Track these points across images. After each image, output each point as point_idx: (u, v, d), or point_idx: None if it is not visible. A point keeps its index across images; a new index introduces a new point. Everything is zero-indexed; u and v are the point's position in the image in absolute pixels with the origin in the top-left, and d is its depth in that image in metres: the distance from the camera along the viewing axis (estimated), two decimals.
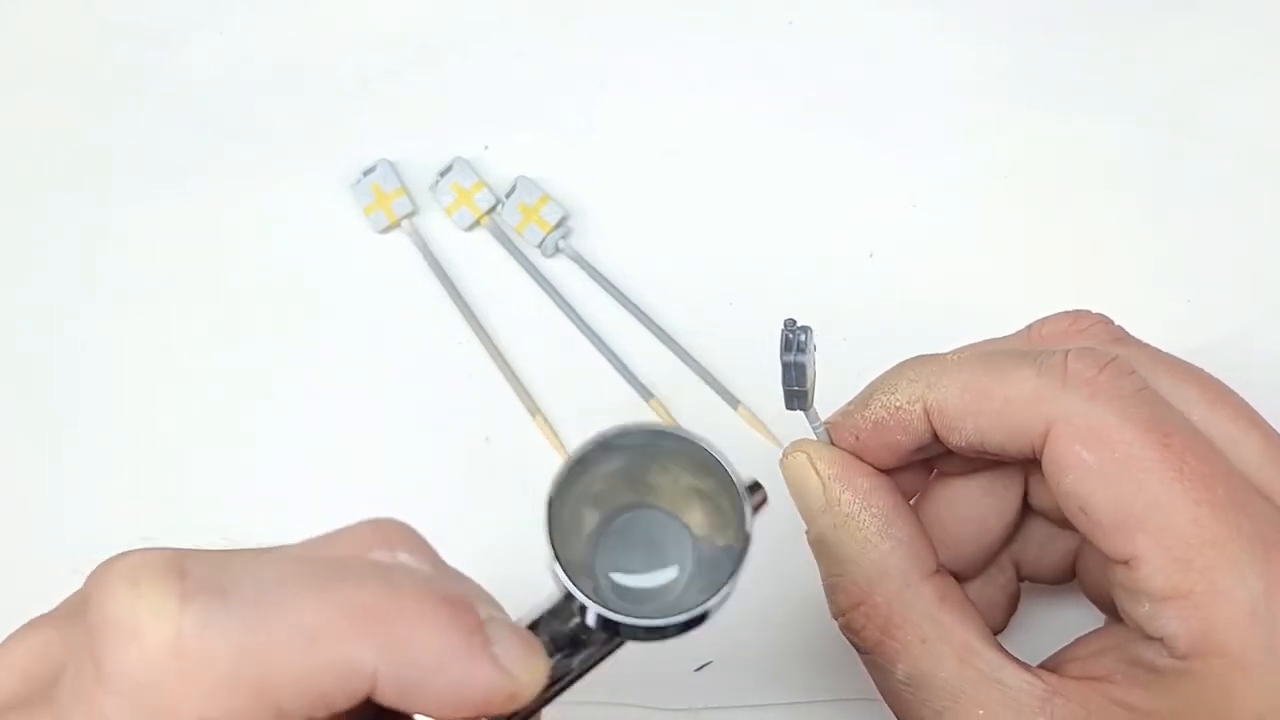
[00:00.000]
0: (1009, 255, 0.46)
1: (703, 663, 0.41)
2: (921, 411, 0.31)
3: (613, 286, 0.46)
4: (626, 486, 0.27)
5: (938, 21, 0.50)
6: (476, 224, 0.47)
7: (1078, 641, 0.32)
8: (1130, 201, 0.47)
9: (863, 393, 0.33)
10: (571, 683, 0.25)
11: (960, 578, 0.33)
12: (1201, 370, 0.32)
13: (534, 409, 0.44)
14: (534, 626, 0.25)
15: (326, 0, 0.51)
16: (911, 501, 0.34)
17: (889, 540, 0.31)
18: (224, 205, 0.48)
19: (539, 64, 0.50)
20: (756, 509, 0.26)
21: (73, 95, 0.50)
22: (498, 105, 0.49)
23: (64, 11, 0.51)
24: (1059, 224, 0.47)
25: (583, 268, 0.46)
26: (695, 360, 0.45)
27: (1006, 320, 0.36)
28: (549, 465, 0.44)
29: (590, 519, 0.27)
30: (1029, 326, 0.34)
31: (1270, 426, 0.31)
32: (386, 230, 0.47)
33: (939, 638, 0.31)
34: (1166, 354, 0.32)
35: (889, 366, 0.33)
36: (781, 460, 0.33)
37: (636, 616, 0.24)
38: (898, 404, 0.32)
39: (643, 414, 0.44)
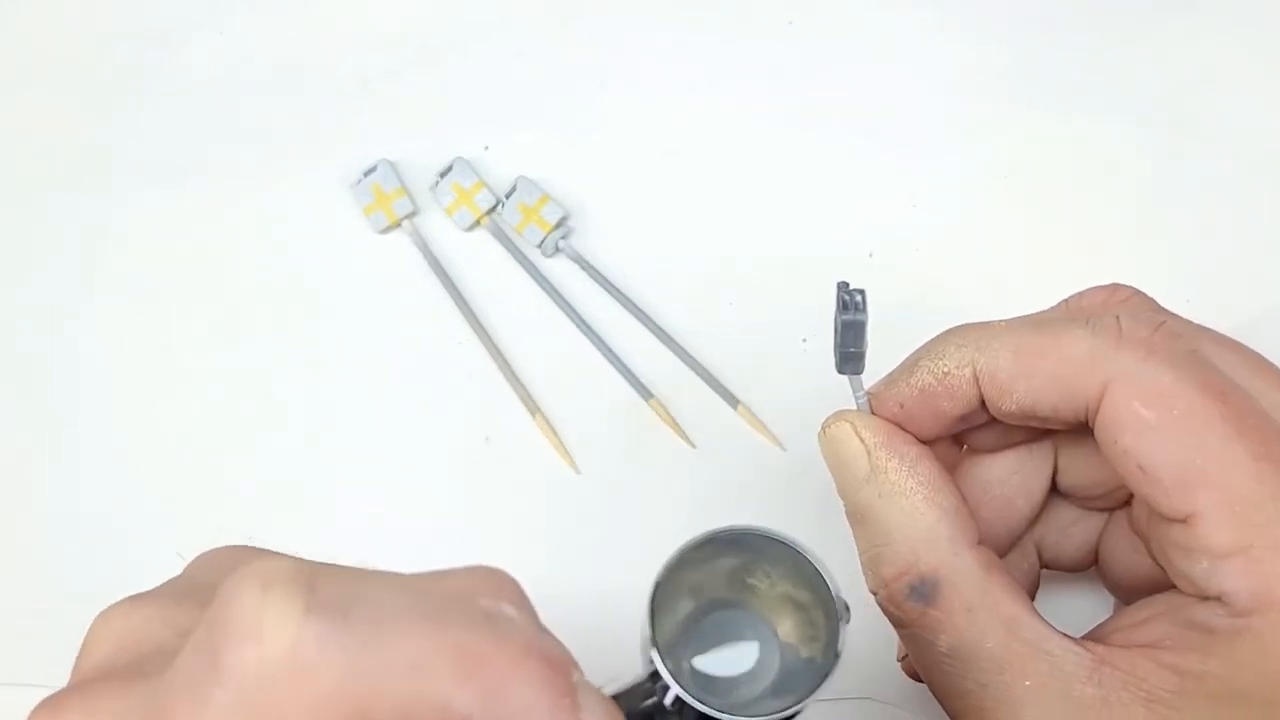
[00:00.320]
0: (1009, 255, 0.46)
1: None
2: (971, 376, 0.31)
3: (613, 286, 0.46)
4: (725, 583, 0.27)
5: (938, 21, 0.50)
6: (477, 224, 0.47)
7: (1120, 613, 0.32)
8: (1130, 201, 0.47)
9: (907, 361, 0.33)
10: None
11: None
12: (1240, 342, 0.32)
13: (534, 409, 0.44)
14: (615, 698, 0.25)
15: (326, 0, 0.51)
16: None
17: (936, 509, 0.31)
18: (224, 205, 0.48)
19: (539, 64, 0.50)
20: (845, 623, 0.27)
21: (73, 95, 0.50)
22: (498, 105, 0.49)
23: (64, 11, 0.51)
24: (1059, 224, 0.47)
25: (583, 268, 0.46)
26: (695, 360, 0.45)
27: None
28: (549, 465, 0.44)
29: (684, 607, 0.27)
30: (1065, 300, 0.35)
31: None
32: (387, 230, 0.47)
33: (986, 608, 0.30)
34: (1199, 326, 0.33)
35: (890, 366, 0.33)
36: (821, 432, 0.33)
37: (717, 709, 0.25)
38: (946, 369, 0.31)
39: (643, 414, 0.44)
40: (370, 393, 0.45)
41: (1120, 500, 0.34)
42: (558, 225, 0.46)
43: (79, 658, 0.24)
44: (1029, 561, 0.36)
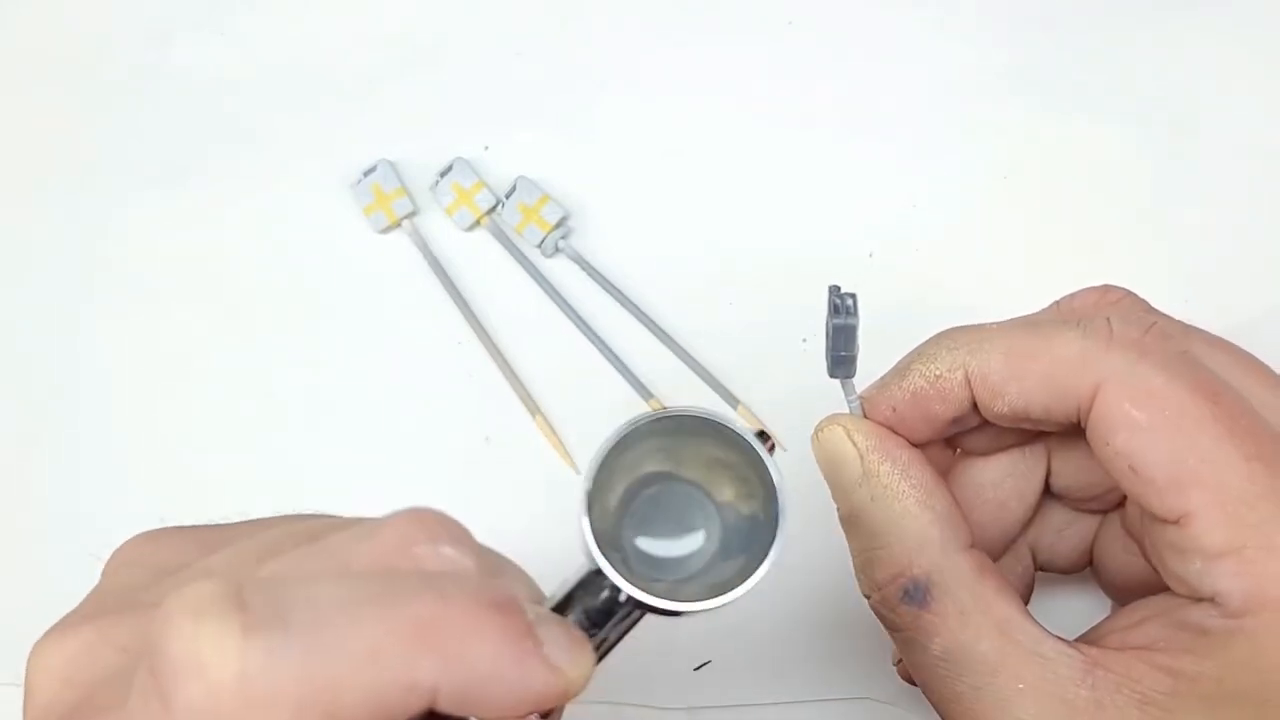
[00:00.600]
0: (1009, 255, 0.46)
1: (702, 662, 0.41)
2: (963, 379, 0.31)
3: (613, 286, 0.46)
4: (651, 459, 0.27)
5: (938, 21, 0.50)
6: (476, 224, 0.47)
7: (1114, 615, 0.32)
8: (1130, 201, 0.47)
9: (899, 364, 0.33)
10: (605, 655, 0.25)
11: None
12: (1232, 343, 0.32)
13: (534, 409, 0.44)
14: (567, 600, 0.25)
15: (326, 0, 0.51)
16: None
17: (929, 512, 0.31)
18: (224, 205, 0.48)
19: (539, 64, 0.50)
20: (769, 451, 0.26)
21: (73, 95, 0.50)
22: (498, 105, 0.49)
23: (64, 11, 0.51)
24: (1059, 224, 0.47)
25: (583, 268, 0.46)
26: (695, 360, 0.45)
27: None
28: (549, 465, 0.44)
29: (615, 491, 0.27)
30: (1056, 302, 0.35)
31: None
32: (387, 230, 0.47)
33: (979, 610, 0.30)
34: (1190, 326, 0.33)
35: (888, 365, 0.33)
36: (814, 436, 0.33)
37: (666, 597, 0.24)
38: (938, 372, 0.31)
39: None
40: (370, 393, 0.45)
41: (1114, 502, 0.34)
42: (558, 225, 0.46)
43: (25, 700, 0.24)
44: (1023, 564, 0.36)
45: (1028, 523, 0.35)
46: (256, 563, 0.24)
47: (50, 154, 0.49)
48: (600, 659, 0.25)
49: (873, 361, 0.33)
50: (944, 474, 0.34)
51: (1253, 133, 0.48)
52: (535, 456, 0.44)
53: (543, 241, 0.46)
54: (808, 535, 0.43)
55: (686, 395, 0.44)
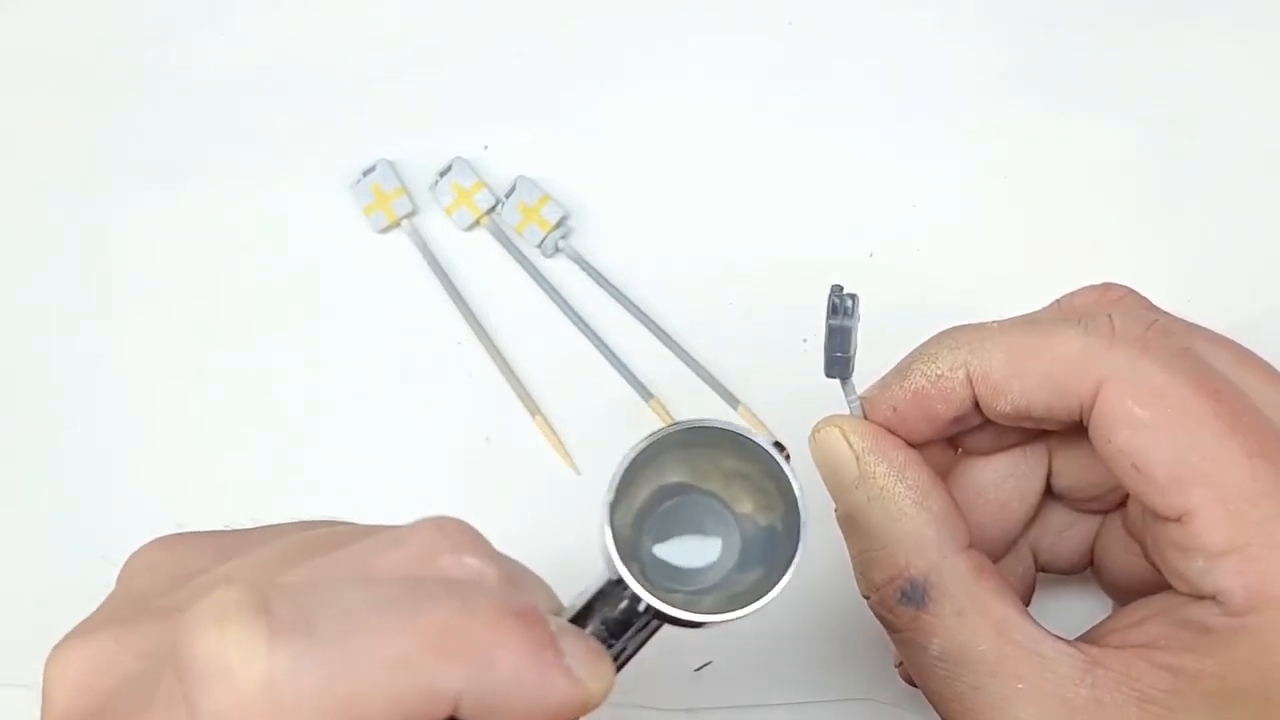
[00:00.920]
0: (1009, 255, 0.46)
1: (703, 663, 0.41)
2: (964, 378, 0.31)
3: (613, 286, 0.46)
4: (670, 470, 0.27)
5: (938, 21, 0.50)
6: (476, 224, 0.47)
7: (1115, 615, 0.32)
8: (1130, 201, 0.47)
9: (900, 364, 0.33)
10: (624, 665, 0.25)
11: None
12: (1232, 340, 0.32)
13: (534, 409, 0.44)
14: (586, 611, 0.25)
15: (326, 0, 0.51)
16: None
17: (925, 512, 0.31)
18: (224, 205, 0.48)
19: (539, 64, 0.50)
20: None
21: (73, 95, 0.50)
22: (498, 105, 0.49)
23: (64, 12, 0.51)
24: (1059, 224, 0.47)
25: (583, 268, 0.46)
26: (695, 360, 0.45)
27: None
28: (549, 465, 0.44)
29: (635, 503, 0.27)
30: (1058, 301, 0.35)
31: None
32: (386, 230, 0.47)
33: (976, 611, 0.30)
34: (1193, 325, 0.33)
35: (888, 365, 0.33)
36: (811, 436, 0.33)
37: (684, 608, 0.24)
38: (939, 372, 0.31)
39: (643, 414, 0.44)
40: (370, 393, 0.45)
41: (1115, 502, 0.34)
42: (557, 225, 0.46)
43: (43, 707, 0.24)
44: (1024, 565, 0.36)
45: (1029, 523, 0.35)
46: (277, 570, 0.24)
47: (50, 154, 0.49)
48: (618, 670, 0.25)
49: (873, 361, 0.33)
50: (945, 474, 0.34)
51: (1253, 133, 0.48)
52: (535, 456, 0.44)
53: (543, 241, 0.46)
54: (807, 536, 0.43)
55: (686, 395, 0.44)
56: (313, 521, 0.28)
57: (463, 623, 0.21)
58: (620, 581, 0.24)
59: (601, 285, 0.46)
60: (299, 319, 0.46)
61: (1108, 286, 0.34)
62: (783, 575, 0.25)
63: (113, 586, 0.27)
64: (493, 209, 0.47)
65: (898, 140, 0.48)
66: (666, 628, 0.25)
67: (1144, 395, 0.29)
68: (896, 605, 0.31)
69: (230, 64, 0.50)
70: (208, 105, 0.50)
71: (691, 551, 0.27)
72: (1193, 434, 0.28)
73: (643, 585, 0.24)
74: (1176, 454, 0.28)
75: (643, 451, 0.26)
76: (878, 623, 0.38)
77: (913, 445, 0.33)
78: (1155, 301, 0.35)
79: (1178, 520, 0.29)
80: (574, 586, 0.26)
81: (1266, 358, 0.33)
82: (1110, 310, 0.32)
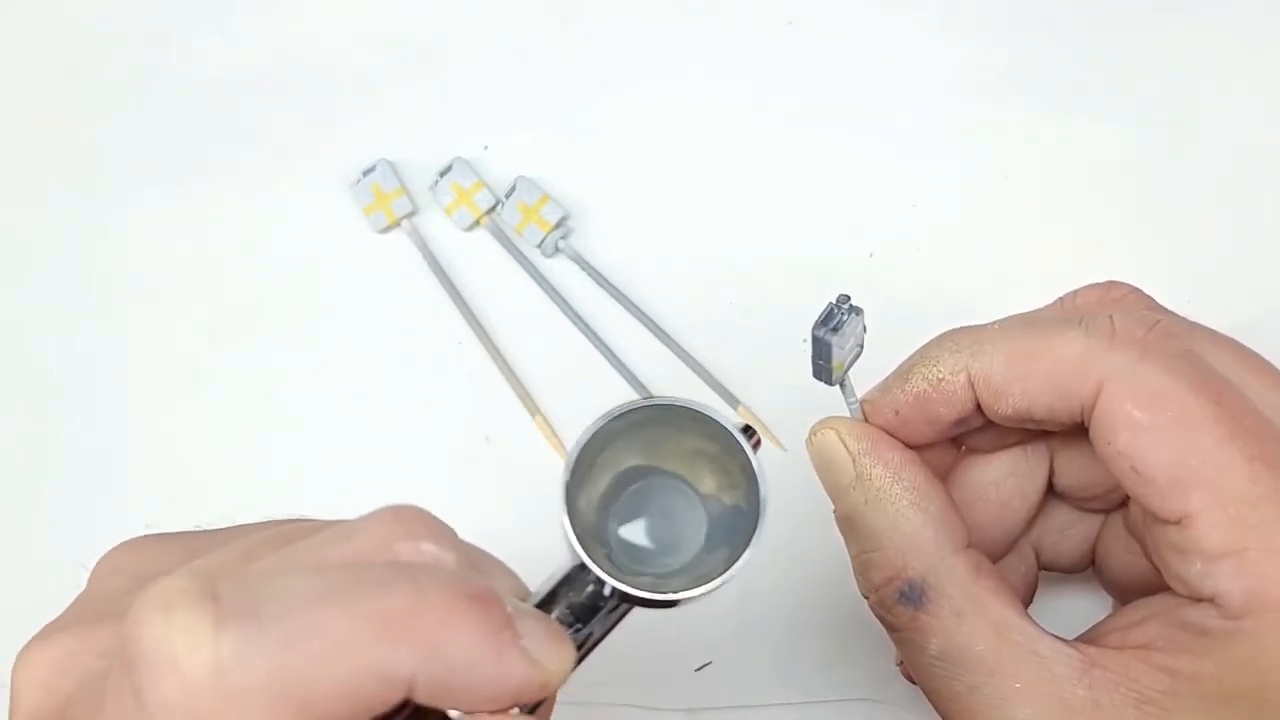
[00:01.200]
0: (1009, 255, 0.46)
1: (703, 663, 0.41)
2: (965, 381, 0.31)
3: (613, 286, 0.46)
4: (633, 453, 0.27)
5: (938, 21, 0.50)
6: (476, 224, 0.47)
7: (1114, 615, 0.32)
8: (1130, 201, 0.47)
9: (901, 368, 0.33)
10: (591, 650, 0.25)
11: None
12: (1237, 341, 0.32)
13: (534, 409, 0.44)
14: (552, 596, 0.25)
15: (326, 0, 0.51)
16: None
17: (922, 514, 0.31)
18: (224, 205, 0.48)
19: (539, 64, 0.50)
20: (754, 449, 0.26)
21: (73, 95, 0.50)
22: (498, 105, 0.49)
23: (64, 12, 0.51)
24: (1059, 224, 0.47)
25: (583, 268, 0.46)
26: (695, 360, 0.45)
27: None
28: (549, 465, 0.44)
29: (599, 485, 0.27)
30: (1060, 299, 0.35)
31: None
32: (386, 230, 0.47)
33: (974, 611, 0.30)
34: (1195, 324, 0.33)
35: (888, 365, 0.33)
36: (808, 439, 0.33)
37: (651, 589, 0.24)
38: (940, 375, 0.31)
39: None
40: (370, 393, 0.45)
41: (1116, 502, 0.34)
42: (557, 225, 0.46)
43: (10, 707, 0.24)
44: (1026, 564, 0.36)
45: (1031, 521, 0.35)
46: (237, 566, 0.24)
47: (50, 154, 0.49)
48: (586, 655, 0.25)
49: (873, 361, 0.33)
50: (947, 473, 0.34)
51: (1253, 133, 0.48)
52: (535, 456, 0.44)
53: (543, 241, 0.46)
54: (807, 536, 0.43)
55: (686, 395, 0.44)
56: (284, 520, 0.27)
57: (413, 605, 0.21)
58: (584, 566, 0.24)
59: (601, 285, 0.46)
60: (299, 319, 0.46)
61: (1111, 285, 0.34)
62: (743, 553, 0.25)
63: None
64: (493, 209, 0.47)
65: (898, 140, 0.48)
66: (637, 612, 0.25)
67: (1144, 398, 0.29)
68: (895, 605, 0.31)
69: (230, 64, 0.50)
70: (208, 105, 0.50)
71: (658, 533, 0.27)
72: (1192, 437, 0.28)
73: (607, 569, 0.24)
74: (1176, 457, 0.28)
75: (600, 429, 0.25)
76: (878, 623, 0.38)
77: (914, 446, 0.33)
78: (1153, 298, 0.35)
79: (1177, 523, 0.28)
80: None
81: (1267, 358, 0.33)
82: (1112, 310, 0.32)
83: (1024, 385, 0.30)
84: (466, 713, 0.22)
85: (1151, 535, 0.30)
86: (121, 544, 0.28)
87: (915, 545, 0.31)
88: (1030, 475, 0.34)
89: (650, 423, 0.26)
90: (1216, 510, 0.28)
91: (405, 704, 0.22)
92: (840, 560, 0.41)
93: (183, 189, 0.48)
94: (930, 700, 0.32)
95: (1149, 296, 0.34)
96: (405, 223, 0.47)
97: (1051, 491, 0.35)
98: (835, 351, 0.31)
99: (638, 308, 0.45)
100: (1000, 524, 0.34)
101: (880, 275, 0.46)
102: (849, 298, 0.30)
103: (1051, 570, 0.36)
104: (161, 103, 0.50)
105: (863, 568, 0.32)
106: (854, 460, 0.32)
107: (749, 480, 0.26)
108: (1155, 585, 0.31)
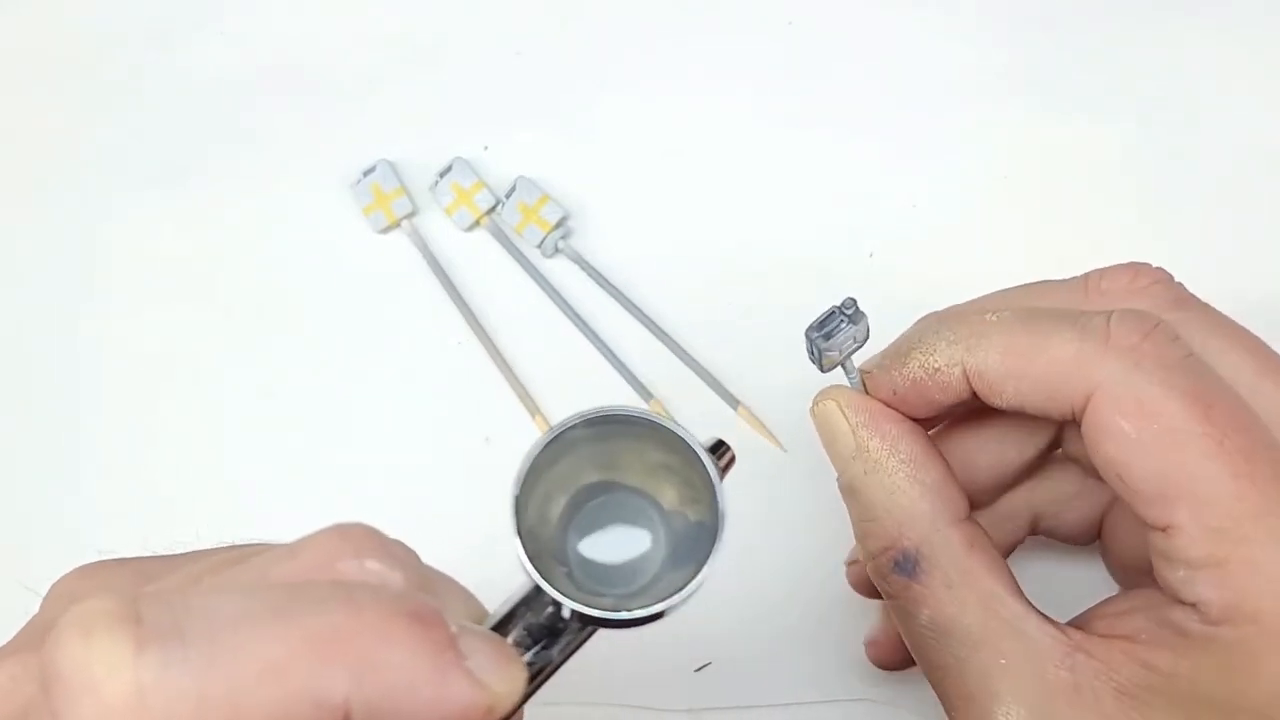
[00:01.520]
0: (1009, 255, 0.46)
1: (702, 663, 0.41)
2: (961, 374, 0.31)
3: (613, 286, 0.46)
4: (592, 468, 0.26)
5: (938, 21, 0.50)
6: (476, 224, 0.47)
7: (1107, 601, 0.32)
8: (1130, 201, 0.47)
9: (899, 346, 0.33)
10: (551, 674, 0.24)
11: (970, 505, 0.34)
12: (1258, 339, 0.32)
13: (534, 409, 0.44)
14: (508, 619, 0.24)
15: (326, 0, 0.51)
16: (938, 429, 0.35)
17: (918, 486, 0.32)
18: (224, 205, 0.48)
19: (539, 64, 0.50)
20: (725, 470, 0.26)
21: (73, 95, 0.50)
22: (498, 105, 0.49)
23: (64, 12, 0.51)
24: (1059, 224, 0.47)
25: (583, 268, 0.46)
26: (695, 360, 0.45)
27: None
28: None
29: (558, 504, 0.26)
30: (1086, 276, 0.34)
31: None
32: (386, 230, 0.47)
33: (964, 584, 0.31)
34: (1224, 318, 0.32)
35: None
36: (811, 409, 0.34)
37: (612, 610, 0.23)
38: (936, 366, 0.32)
39: None
40: (370, 393, 0.45)
41: None
42: (557, 225, 0.46)
43: None
44: (1014, 524, 0.36)
45: (1026, 475, 0.35)
46: (171, 587, 0.23)
47: (50, 154, 0.49)
48: (546, 679, 0.24)
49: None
50: (958, 418, 0.35)
51: (1253, 132, 0.48)
52: None
53: (543, 241, 0.46)
54: (808, 536, 0.43)
55: (686, 395, 0.44)
56: (243, 545, 0.27)
57: (349, 625, 0.20)
58: (541, 588, 0.23)
59: (601, 285, 0.46)
60: (299, 319, 0.46)
61: (1138, 271, 0.33)
62: (700, 570, 0.24)
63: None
64: (493, 209, 0.47)
65: (898, 140, 0.48)
66: (600, 632, 0.24)
67: (1131, 409, 0.28)
68: (890, 575, 0.32)
69: (230, 64, 0.50)
70: (208, 105, 0.50)
71: (619, 551, 0.26)
72: (1178, 452, 0.28)
73: (565, 590, 0.23)
74: (1160, 470, 0.28)
75: (550, 442, 0.25)
76: (877, 623, 0.38)
77: (922, 419, 0.33)
78: (1182, 287, 0.34)
79: (1163, 530, 0.29)
80: None
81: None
82: (1133, 299, 0.32)
83: (1017, 385, 0.30)
84: None
85: (1141, 534, 0.31)
86: (74, 570, 0.27)
87: (911, 517, 0.31)
88: (1033, 433, 0.34)
89: (610, 436, 0.26)
90: (1199, 524, 0.28)
91: None
92: (838, 562, 0.41)
93: (183, 189, 0.48)
94: (922, 668, 0.32)
95: (1177, 285, 0.34)
96: (405, 223, 0.47)
97: (1063, 456, 0.35)
98: (826, 354, 0.31)
99: (638, 308, 0.45)
100: (992, 471, 0.35)
101: (880, 275, 0.46)
102: (855, 302, 0.31)
103: (1055, 538, 0.36)
104: (161, 103, 0.50)
105: (862, 537, 0.33)
106: (853, 431, 0.33)
107: (710, 492, 0.25)
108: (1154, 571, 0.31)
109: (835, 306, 0.31)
